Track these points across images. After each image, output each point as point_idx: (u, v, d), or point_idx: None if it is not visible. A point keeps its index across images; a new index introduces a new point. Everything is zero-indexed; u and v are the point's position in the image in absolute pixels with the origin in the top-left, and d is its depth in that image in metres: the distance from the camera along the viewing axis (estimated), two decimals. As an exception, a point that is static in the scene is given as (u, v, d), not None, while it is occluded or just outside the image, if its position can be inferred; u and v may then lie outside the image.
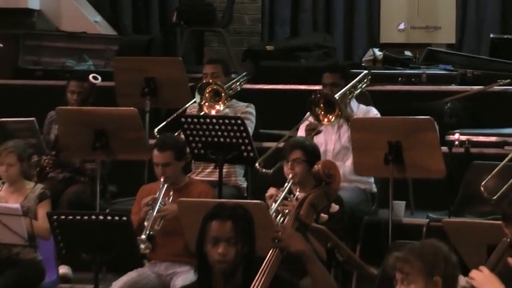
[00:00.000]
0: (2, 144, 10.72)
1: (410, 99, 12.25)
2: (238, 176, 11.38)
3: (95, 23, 14.99)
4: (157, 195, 9.96)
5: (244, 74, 12.52)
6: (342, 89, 10.95)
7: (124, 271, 9.86)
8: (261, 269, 7.38)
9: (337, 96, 10.81)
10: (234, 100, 11.77)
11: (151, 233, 9.79)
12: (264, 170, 10.67)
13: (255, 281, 7.31)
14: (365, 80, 11.64)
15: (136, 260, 9.74)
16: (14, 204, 10.16)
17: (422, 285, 6.58)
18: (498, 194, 9.72)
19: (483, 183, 9.87)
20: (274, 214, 9.28)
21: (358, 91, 11.41)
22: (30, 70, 13.98)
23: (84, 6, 15.20)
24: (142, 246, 9.68)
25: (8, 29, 14.42)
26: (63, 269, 10.70)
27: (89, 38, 14.55)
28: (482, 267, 6.16)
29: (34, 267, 10.25)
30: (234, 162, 11.01)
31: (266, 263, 7.38)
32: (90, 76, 12.83)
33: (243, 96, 12.03)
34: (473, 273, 6.53)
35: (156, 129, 11.35)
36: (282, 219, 9.12)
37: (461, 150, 11.33)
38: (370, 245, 10.22)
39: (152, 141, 10.79)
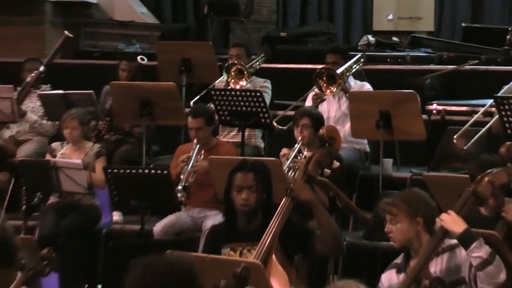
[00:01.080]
0: (67, 111, 10.71)
1: (397, 76, 12.09)
2: (257, 138, 11.31)
3: (142, 13, 14.86)
4: (191, 154, 9.94)
5: (262, 55, 12.41)
6: (337, 69, 10.86)
7: (164, 215, 9.86)
8: (276, 213, 7.36)
9: (338, 71, 10.80)
10: (254, 76, 11.68)
11: (186, 184, 9.76)
12: (279, 127, 10.75)
13: (271, 222, 7.30)
14: (362, 60, 11.57)
15: (175, 206, 9.84)
16: (76, 160, 10.12)
17: (407, 224, 6.63)
18: (468, 144, 9.70)
19: (456, 136, 9.88)
20: (286, 169, 9.23)
21: (354, 69, 11.31)
22: (89, 52, 13.87)
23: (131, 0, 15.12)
24: (179, 194, 9.68)
25: (71, 18, 14.33)
26: (116, 216, 10.61)
27: (136, 26, 14.41)
28: (450, 211, 6.43)
29: (92, 211, 10.24)
30: (254, 127, 10.89)
31: (280, 208, 7.42)
32: (138, 57, 12.81)
33: (261, 73, 11.91)
34: (443, 215, 6.50)
35: (192, 102, 11.31)
36: (293, 173, 9.03)
37: (438, 117, 11.19)
38: (364, 195, 10.12)
39: (187, 110, 10.74)
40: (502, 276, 6.51)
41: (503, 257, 6.91)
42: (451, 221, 6.50)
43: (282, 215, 7.36)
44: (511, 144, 8.41)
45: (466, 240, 6.47)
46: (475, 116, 10.22)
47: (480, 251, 6.44)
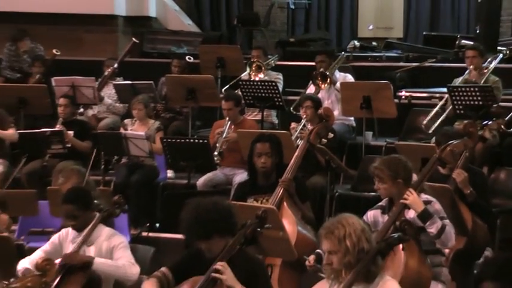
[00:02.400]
0: (135, 97, 10.71)
1: (375, 71, 12.06)
2: (272, 117, 11.20)
3: (188, 24, 14.85)
4: (224, 128, 9.93)
5: (276, 55, 12.45)
6: (327, 65, 10.93)
7: (205, 172, 9.81)
8: (285, 172, 7.34)
9: (327, 72, 10.78)
10: (269, 71, 11.64)
11: (220, 150, 9.75)
12: (294, 112, 10.71)
13: (283, 176, 7.29)
14: (346, 58, 11.75)
15: (212, 166, 9.79)
16: (141, 132, 10.12)
17: (390, 184, 6.48)
18: (432, 128, 9.67)
19: (424, 122, 9.82)
20: (294, 139, 9.21)
21: (339, 64, 11.24)
22: (149, 53, 13.86)
23: (180, 14, 15.01)
24: (215, 158, 9.67)
25: (136, 28, 14.33)
26: (169, 173, 10.56)
27: (184, 34, 14.38)
28: (412, 190, 6.14)
29: (152, 169, 10.18)
30: (270, 108, 10.82)
31: (288, 170, 7.42)
32: (186, 57, 12.81)
33: (275, 69, 11.86)
34: (407, 195, 6.41)
35: (223, 89, 11.29)
36: (299, 142, 8.97)
37: (406, 101, 11.13)
38: (351, 158, 10.04)
39: (221, 95, 10.72)
40: (450, 244, 6.52)
41: (455, 204, 6.90)
42: (414, 201, 6.40)
43: (289, 173, 7.44)
44: (466, 122, 8.46)
45: (423, 217, 6.36)
46: (437, 107, 10.12)
47: (432, 227, 6.35)
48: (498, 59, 10.86)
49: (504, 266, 4.29)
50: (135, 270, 6.36)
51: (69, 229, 6.65)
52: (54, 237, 6.74)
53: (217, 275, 5.33)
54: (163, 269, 5.67)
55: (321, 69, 10.83)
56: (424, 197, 6.49)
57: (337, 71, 11.13)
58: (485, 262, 4.56)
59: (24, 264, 6.47)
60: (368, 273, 4.97)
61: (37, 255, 6.53)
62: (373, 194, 7.68)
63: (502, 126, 9.29)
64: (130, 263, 6.39)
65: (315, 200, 8.71)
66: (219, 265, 5.34)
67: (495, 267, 4.33)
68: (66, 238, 6.64)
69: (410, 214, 6.47)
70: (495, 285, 4.20)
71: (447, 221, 6.39)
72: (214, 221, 5.53)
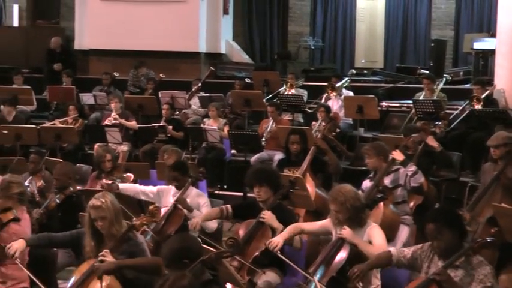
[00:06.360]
0: (210, 104, 10.65)
1: (366, 89, 11.85)
2: (299, 118, 10.91)
3: (245, 58, 14.84)
4: (268, 124, 9.85)
5: (302, 78, 12.32)
6: (335, 83, 10.85)
7: (255, 153, 9.61)
8: (309, 153, 7.31)
9: (337, 85, 10.75)
10: (298, 88, 11.48)
11: (265, 138, 9.66)
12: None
13: (306, 158, 7.23)
14: (348, 81, 11.49)
15: (260, 148, 9.60)
16: (214, 126, 10.03)
17: (374, 159, 6.46)
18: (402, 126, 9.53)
19: (402, 127, 9.40)
20: (314, 132, 9.09)
21: (344, 85, 11.12)
22: (221, 76, 13.67)
23: (240, 51, 14.92)
24: (262, 143, 9.59)
25: (212, 60, 14.23)
26: (233, 152, 10.48)
27: (243, 64, 14.28)
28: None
29: (222, 150, 10.01)
30: (298, 112, 10.67)
31: (309, 153, 7.31)
32: (245, 79, 12.70)
33: (302, 87, 11.75)
34: (393, 152, 6.42)
35: (264, 99, 11.12)
36: (318, 134, 8.88)
37: (385, 109, 11.01)
38: (349, 144, 9.95)
39: (266, 103, 10.60)
40: (422, 180, 6.47)
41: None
42: (398, 154, 6.44)
43: (310, 155, 7.33)
44: (423, 122, 8.44)
45: (404, 163, 6.42)
46: (409, 115, 10.01)
47: (411, 167, 6.44)
48: (443, 82, 10.84)
49: (438, 214, 4.30)
50: (214, 224, 6.24)
51: (170, 187, 6.66)
52: (158, 188, 6.72)
53: (262, 219, 5.38)
54: (229, 206, 5.77)
55: (332, 83, 10.75)
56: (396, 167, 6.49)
57: (343, 89, 11.06)
58: (430, 211, 4.53)
59: (134, 188, 6.78)
60: (360, 220, 4.97)
61: (146, 189, 6.69)
62: (363, 168, 7.64)
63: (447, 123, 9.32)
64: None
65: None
66: (263, 213, 5.38)
67: (434, 214, 4.33)
68: (168, 193, 6.61)
69: (386, 180, 6.47)
70: (434, 226, 4.19)
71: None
72: (268, 173, 5.59)
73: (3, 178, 5.48)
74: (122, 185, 6.67)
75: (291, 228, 5.23)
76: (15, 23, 15.61)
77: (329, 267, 4.78)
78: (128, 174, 7.76)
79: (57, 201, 6.50)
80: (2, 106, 11.12)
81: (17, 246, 4.81)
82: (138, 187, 6.77)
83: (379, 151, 6.49)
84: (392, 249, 4.59)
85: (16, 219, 5.09)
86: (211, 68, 13.19)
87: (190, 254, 4.01)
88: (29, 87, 12.38)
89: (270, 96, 11.46)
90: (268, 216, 5.37)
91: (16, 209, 5.19)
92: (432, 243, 4.25)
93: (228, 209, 5.72)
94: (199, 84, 12.09)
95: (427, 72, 11.97)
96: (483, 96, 9.45)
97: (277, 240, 5.09)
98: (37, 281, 4.80)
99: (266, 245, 5.09)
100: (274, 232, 5.33)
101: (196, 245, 4.16)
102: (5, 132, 9.89)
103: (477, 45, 12.68)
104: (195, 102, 11.83)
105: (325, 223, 5.18)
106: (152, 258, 4.71)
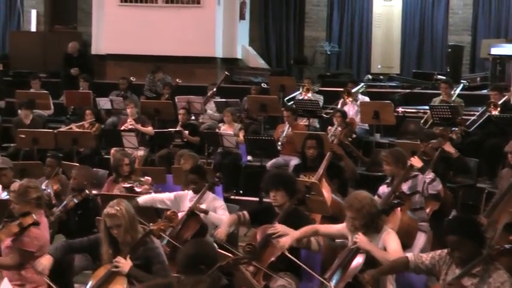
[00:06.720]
0: (226, 109, 10.63)
1: (382, 95, 11.76)
2: (315, 123, 10.83)
3: (261, 63, 14.81)
4: (284, 129, 9.85)
5: (319, 84, 12.36)
6: (351, 88, 10.84)
7: (271, 158, 9.59)
8: (325, 159, 7.28)
9: (353, 91, 10.74)
10: (315, 93, 11.49)
11: (281, 143, 9.66)
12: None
13: (322, 163, 7.21)
14: (364, 87, 11.48)
15: (276, 153, 9.58)
16: (229, 131, 10.02)
17: (393, 167, 6.42)
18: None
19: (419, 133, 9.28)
20: (330, 137, 9.07)
21: (360, 91, 11.12)
22: (237, 81, 13.67)
23: (256, 56, 14.89)
24: (278, 147, 9.57)
25: (229, 65, 14.21)
26: (249, 157, 10.45)
27: (259, 69, 14.25)
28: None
29: (238, 155, 9.99)
30: (314, 117, 10.57)
31: (326, 158, 7.28)
32: (261, 84, 12.67)
33: (318, 92, 11.76)
34: (412, 159, 6.40)
35: (286, 99, 11.18)
36: (334, 139, 8.83)
37: (402, 114, 10.98)
38: (365, 150, 9.92)
39: (282, 108, 10.59)
40: (440, 187, 6.46)
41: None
42: (416, 160, 6.43)
43: (326, 160, 7.31)
44: (441, 128, 8.41)
45: (422, 170, 6.40)
46: (424, 118, 10.01)
47: (429, 174, 6.42)
48: (461, 88, 10.78)
49: (459, 225, 4.27)
50: (231, 228, 6.20)
51: (186, 192, 6.66)
52: (175, 194, 6.69)
53: (273, 230, 5.34)
54: (245, 211, 5.75)
55: (348, 89, 10.74)
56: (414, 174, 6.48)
57: (359, 94, 11.04)
58: (449, 221, 4.51)
59: (149, 198, 6.65)
60: (377, 226, 4.96)
61: (163, 196, 6.63)
62: (380, 174, 7.61)
63: (465, 129, 9.26)
64: None
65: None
66: (275, 227, 5.34)
67: (455, 225, 4.30)
68: (185, 198, 6.60)
69: (404, 187, 6.45)
70: (455, 238, 4.17)
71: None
72: (285, 178, 5.58)
73: (21, 183, 5.52)
74: (140, 199, 6.63)
75: (305, 228, 5.24)
76: (33, 28, 15.70)
77: (345, 273, 4.77)
78: (146, 177, 7.79)
79: (75, 201, 6.57)
80: (19, 110, 11.20)
81: (45, 263, 4.88)
82: (155, 197, 6.71)
83: (397, 158, 6.47)
84: (409, 255, 4.57)
85: (36, 223, 5.13)
86: (226, 73, 13.21)
87: (206, 260, 4.02)
88: (46, 91, 12.49)
89: (288, 98, 11.44)
90: (279, 228, 5.35)
91: (34, 213, 5.22)
92: (452, 252, 4.23)
93: (245, 215, 5.72)
94: (214, 89, 12.10)
95: (444, 77, 11.92)
96: (500, 102, 9.40)
97: (286, 240, 5.08)
98: (54, 287, 4.83)
99: (275, 244, 5.09)
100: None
101: (212, 251, 4.17)
102: (23, 136, 9.98)
103: (494, 50, 12.60)
104: (211, 107, 11.84)
105: (342, 228, 5.17)
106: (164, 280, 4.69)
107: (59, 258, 4.97)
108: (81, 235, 5.25)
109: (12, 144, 10.85)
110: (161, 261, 4.80)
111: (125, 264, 4.66)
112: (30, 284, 5.17)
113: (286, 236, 5.19)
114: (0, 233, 5.11)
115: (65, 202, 6.70)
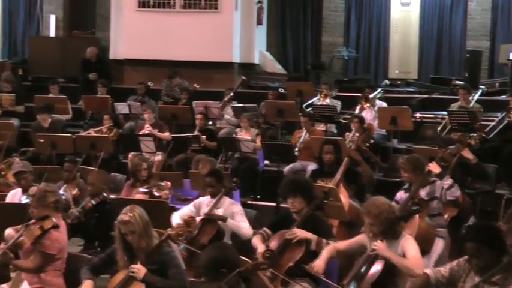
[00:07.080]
0: (242, 114, 10.66)
1: (400, 100, 11.67)
2: (333, 128, 10.87)
3: (278, 68, 14.78)
4: (301, 134, 9.85)
5: (336, 89, 12.26)
6: (369, 94, 10.83)
7: (288, 163, 9.57)
8: (342, 164, 7.26)
9: (370, 96, 10.72)
10: (332, 99, 11.47)
11: (298, 149, 9.64)
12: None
13: (339, 169, 7.19)
14: (382, 92, 11.45)
15: (293, 159, 9.54)
16: (247, 136, 10.04)
17: (411, 174, 6.39)
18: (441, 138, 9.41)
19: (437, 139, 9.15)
20: (347, 143, 9.03)
21: (378, 96, 11.09)
22: (254, 86, 13.68)
23: (273, 61, 14.88)
24: (296, 153, 9.57)
25: (246, 70, 14.18)
26: (266, 163, 10.46)
27: (276, 74, 14.25)
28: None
29: (255, 160, 9.99)
30: (331, 122, 10.61)
31: (343, 164, 7.26)
32: (279, 89, 12.63)
33: (336, 97, 11.73)
34: (430, 164, 6.38)
35: (304, 105, 11.18)
36: (351, 144, 8.80)
37: (419, 120, 10.91)
38: (383, 156, 9.83)
39: (300, 114, 10.61)
40: (458, 194, 6.42)
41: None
42: (434, 166, 6.41)
43: (343, 165, 7.27)
44: (459, 134, 8.35)
45: (441, 175, 6.39)
46: (442, 124, 9.93)
47: (448, 180, 6.39)
48: (479, 93, 10.71)
49: (479, 232, 4.22)
50: (249, 231, 6.19)
51: (205, 198, 6.62)
52: (194, 203, 6.66)
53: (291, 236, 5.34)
54: (265, 228, 5.68)
55: (365, 94, 10.72)
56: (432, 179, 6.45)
57: (377, 99, 11.01)
58: (468, 228, 4.46)
59: (176, 217, 6.42)
60: (395, 233, 4.93)
61: (184, 212, 6.51)
62: (397, 179, 7.58)
63: (483, 135, 9.19)
64: (248, 226, 6.28)
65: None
66: (293, 231, 5.34)
67: (474, 232, 4.25)
68: (203, 203, 6.55)
69: (422, 192, 6.42)
70: (474, 245, 4.13)
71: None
72: (302, 184, 5.57)
73: (39, 188, 5.57)
74: (174, 223, 6.30)
75: (328, 250, 5.21)
76: (52, 33, 15.82)
77: (363, 280, 4.75)
78: (166, 182, 7.81)
79: (93, 202, 6.62)
80: (37, 115, 11.28)
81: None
82: (177, 216, 6.48)
83: (415, 165, 6.43)
84: (427, 270, 4.49)
85: (56, 226, 5.18)
86: (243, 77, 13.22)
87: (228, 264, 4.04)
88: (64, 96, 12.58)
89: (307, 104, 11.42)
90: (298, 232, 5.34)
91: (53, 216, 5.26)
92: (471, 260, 4.19)
93: (267, 232, 5.62)
94: (231, 94, 12.11)
95: (462, 83, 11.85)
96: (520, 107, 9.34)
97: (320, 264, 5.09)
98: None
99: (309, 270, 5.09)
100: (308, 242, 5.32)
101: (234, 255, 4.18)
102: (41, 140, 10.04)
103: (513, 56, 12.56)
104: (228, 112, 11.85)
105: (360, 238, 5.14)
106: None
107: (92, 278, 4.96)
108: (98, 238, 5.27)
109: (31, 149, 10.92)
110: (176, 265, 4.79)
111: (140, 270, 4.67)
112: (49, 286, 5.20)
113: (319, 261, 5.15)
114: (23, 236, 5.14)
115: (82, 203, 6.75)
